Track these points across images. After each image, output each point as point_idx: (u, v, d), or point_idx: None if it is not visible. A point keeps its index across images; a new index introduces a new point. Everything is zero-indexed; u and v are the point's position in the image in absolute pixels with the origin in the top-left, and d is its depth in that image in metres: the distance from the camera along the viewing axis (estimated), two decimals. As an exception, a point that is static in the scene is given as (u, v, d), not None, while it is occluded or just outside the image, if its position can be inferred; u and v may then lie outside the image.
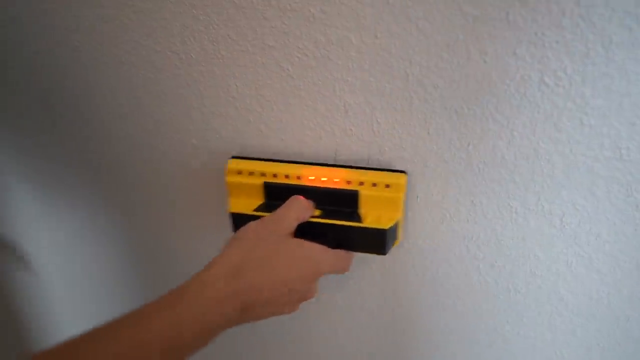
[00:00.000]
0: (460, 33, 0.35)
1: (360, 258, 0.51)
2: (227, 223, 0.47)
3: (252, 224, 0.40)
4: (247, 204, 0.45)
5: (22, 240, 0.66)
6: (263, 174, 0.45)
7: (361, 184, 0.43)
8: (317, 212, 0.44)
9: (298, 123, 0.43)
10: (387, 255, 0.45)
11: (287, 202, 0.42)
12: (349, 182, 0.43)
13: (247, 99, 0.43)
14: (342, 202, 0.44)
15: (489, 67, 0.36)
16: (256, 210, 0.45)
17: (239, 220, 0.44)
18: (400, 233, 0.46)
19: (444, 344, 0.56)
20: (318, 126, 0.43)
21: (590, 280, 0.46)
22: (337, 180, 0.43)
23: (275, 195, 0.44)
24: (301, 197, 0.43)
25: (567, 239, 0.44)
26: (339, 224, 0.43)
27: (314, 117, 0.42)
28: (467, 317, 0.52)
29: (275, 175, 0.44)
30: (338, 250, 0.43)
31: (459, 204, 0.44)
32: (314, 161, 0.45)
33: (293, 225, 0.41)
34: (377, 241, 0.43)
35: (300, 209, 0.42)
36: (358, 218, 0.43)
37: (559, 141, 0.38)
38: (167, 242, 0.59)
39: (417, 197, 0.45)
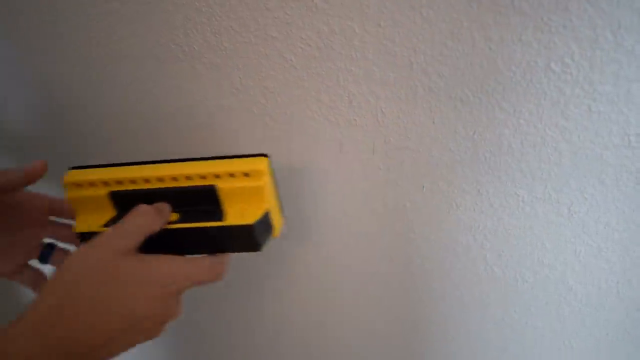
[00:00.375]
0: (464, 20, 0.34)
1: (362, 253, 0.51)
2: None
3: (77, 251, 0.33)
4: (96, 220, 0.39)
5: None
6: (106, 183, 0.39)
7: (217, 176, 0.37)
8: (175, 217, 0.38)
9: (302, 114, 0.43)
10: (391, 247, 0.45)
11: (128, 213, 0.36)
12: (203, 177, 0.38)
13: (250, 91, 0.43)
14: (201, 200, 0.38)
15: (495, 54, 0.35)
16: (106, 225, 0.39)
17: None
18: (277, 223, 0.41)
19: (451, 334, 0.56)
20: (322, 117, 0.43)
21: (599, 270, 0.45)
22: (190, 176, 0.38)
23: (127, 205, 0.38)
24: (144, 206, 0.37)
25: (575, 227, 0.43)
26: (196, 227, 0.37)
27: (318, 107, 0.42)
28: (475, 307, 0.52)
29: (119, 182, 0.39)
30: (200, 258, 0.37)
31: (465, 193, 0.44)
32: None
33: (135, 240, 0.34)
34: (246, 238, 0.38)
35: (143, 219, 0.35)
36: (220, 216, 0.38)
37: (566, 129, 0.38)
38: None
39: (423, 186, 0.44)
